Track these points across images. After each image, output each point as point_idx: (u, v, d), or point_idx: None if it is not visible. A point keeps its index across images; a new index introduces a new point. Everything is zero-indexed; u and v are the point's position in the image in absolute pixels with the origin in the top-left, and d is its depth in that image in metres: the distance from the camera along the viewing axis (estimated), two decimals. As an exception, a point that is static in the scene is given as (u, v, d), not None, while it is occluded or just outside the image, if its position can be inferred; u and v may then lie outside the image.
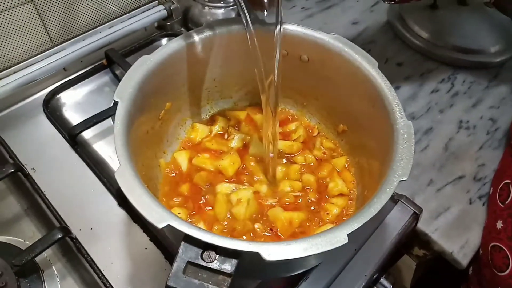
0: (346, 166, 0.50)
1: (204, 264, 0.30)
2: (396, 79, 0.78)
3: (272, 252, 0.29)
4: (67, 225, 0.50)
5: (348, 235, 0.30)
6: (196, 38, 0.45)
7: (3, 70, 0.62)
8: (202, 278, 0.29)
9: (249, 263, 0.31)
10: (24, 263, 0.45)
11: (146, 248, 0.50)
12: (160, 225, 0.30)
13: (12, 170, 0.52)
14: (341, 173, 0.49)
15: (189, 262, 0.30)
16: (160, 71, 0.42)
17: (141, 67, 0.41)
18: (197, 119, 0.53)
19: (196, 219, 0.44)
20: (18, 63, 0.63)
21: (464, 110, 0.74)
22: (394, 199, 0.57)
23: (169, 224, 0.30)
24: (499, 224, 0.55)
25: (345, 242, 0.30)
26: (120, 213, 0.53)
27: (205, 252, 0.30)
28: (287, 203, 0.45)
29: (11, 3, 0.58)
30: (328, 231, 0.31)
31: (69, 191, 0.54)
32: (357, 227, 0.31)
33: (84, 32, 0.68)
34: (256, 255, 0.29)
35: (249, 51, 0.47)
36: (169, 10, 0.72)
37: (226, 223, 0.43)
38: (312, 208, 0.45)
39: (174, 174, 0.48)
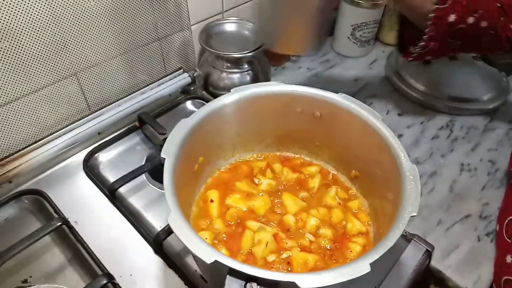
0: (361, 208, 0.55)
1: (247, 295, 0.35)
2: (399, 128, 0.85)
3: (306, 280, 0.34)
4: (109, 272, 0.54)
5: (370, 264, 0.35)
6: (225, 101, 0.53)
7: (48, 136, 0.70)
8: (247, 307, 0.34)
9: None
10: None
11: (181, 291, 0.54)
12: (209, 260, 0.35)
13: (60, 223, 0.57)
14: (357, 214, 0.54)
15: (235, 294, 0.35)
16: (196, 131, 0.50)
17: (182, 128, 0.48)
18: (224, 169, 0.59)
19: (221, 246, 0.49)
20: (60, 129, 0.71)
21: (465, 153, 0.80)
22: (407, 238, 0.61)
23: (216, 260, 0.35)
24: (509, 259, 0.59)
25: (368, 271, 0.35)
26: (157, 260, 0.58)
27: (248, 284, 0.35)
28: (305, 246, 0.50)
29: (57, 77, 0.67)
30: (352, 263, 0.36)
31: (109, 241, 0.59)
32: (377, 257, 0.36)
33: (118, 99, 0.77)
34: (293, 284, 0.34)
35: (267, 111, 0.56)
36: (192, 77, 0.81)
37: (246, 255, 0.49)
38: (328, 250, 0.50)
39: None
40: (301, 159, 0.62)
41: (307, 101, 0.54)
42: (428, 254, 0.60)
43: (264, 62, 0.85)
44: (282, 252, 0.49)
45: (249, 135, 0.59)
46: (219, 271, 0.37)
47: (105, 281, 0.52)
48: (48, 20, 0.61)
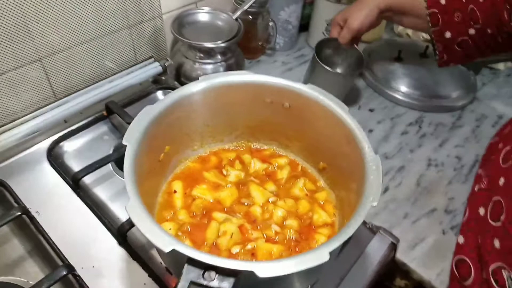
0: (328, 199, 0.55)
1: (205, 283, 0.34)
2: (370, 123, 0.87)
3: (265, 269, 0.34)
4: (70, 263, 0.53)
5: (330, 252, 0.35)
6: (192, 89, 0.52)
7: (11, 122, 0.67)
8: (204, 296, 0.33)
9: (245, 281, 0.35)
10: (30, 300, 0.47)
11: (145, 284, 0.53)
12: (167, 249, 0.35)
13: (19, 213, 0.55)
14: (324, 205, 0.55)
15: (191, 282, 0.34)
16: (161, 119, 0.49)
17: (146, 115, 0.47)
18: (191, 160, 0.58)
19: (185, 237, 0.49)
20: (24, 116, 0.69)
21: (432, 149, 0.82)
22: (373, 230, 0.62)
23: (174, 249, 0.35)
24: (461, 239, 0.61)
25: (327, 259, 0.35)
26: (120, 251, 0.56)
27: (206, 272, 0.35)
28: (271, 237, 0.50)
29: (21, 62, 0.65)
30: (312, 251, 0.36)
31: (72, 232, 0.58)
32: (337, 245, 0.36)
33: (86, 87, 0.75)
34: (251, 273, 0.33)
35: (236, 100, 0.55)
36: (164, 67, 0.80)
37: (210, 247, 0.48)
38: (294, 241, 0.50)
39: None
40: (270, 150, 0.61)
41: (276, 91, 0.54)
42: (393, 246, 0.61)
43: (238, 54, 0.84)
44: (247, 243, 0.49)
45: (218, 125, 0.58)
46: (179, 262, 0.36)
47: (64, 272, 0.50)
48: (9, 2, 0.58)
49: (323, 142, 0.54)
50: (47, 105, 0.71)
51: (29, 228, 0.58)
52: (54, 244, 0.55)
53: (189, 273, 0.34)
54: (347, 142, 0.49)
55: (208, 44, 0.77)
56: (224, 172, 0.57)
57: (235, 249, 0.48)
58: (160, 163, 0.53)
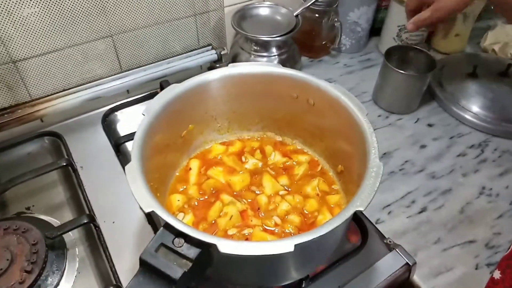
0: (339, 204, 0.54)
1: (173, 247, 0.36)
2: (424, 138, 0.80)
3: (227, 246, 0.35)
4: (95, 215, 0.59)
5: (295, 245, 0.35)
6: (220, 75, 0.54)
7: (79, 85, 0.77)
8: (169, 259, 0.36)
9: (214, 255, 0.36)
10: (55, 237, 0.55)
11: (152, 247, 0.57)
12: (147, 210, 0.38)
13: (65, 164, 0.64)
14: (333, 209, 0.53)
15: (162, 244, 0.37)
16: (185, 97, 0.52)
17: (170, 91, 0.51)
18: (216, 142, 0.61)
19: (189, 210, 0.51)
20: (92, 81, 0.78)
21: (489, 177, 0.74)
22: (390, 247, 0.58)
23: (153, 211, 0.37)
24: (497, 275, 0.54)
25: (289, 250, 0.34)
26: (140, 214, 0.61)
27: (176, 239, 0.37)
28: (269, 228, 0.50)
29: (94, 36, 0.74)
30: (280, 240, 0.36)
31: (105, 189, 0.64)
32: (303, 240, 0.35)
33: (148, 64, 0.82)
34: (214, 247, 0.35)
35: (263, 91, 0.56)
36: (219, 55, 0.84)
37: (210, 224, 0.50)
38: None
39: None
40: (294, 146, 0.61)
41: (302, 86, 0.54)
42: (407, 268, 0.56)
43: (293, 49, 0.85)
44: (244, 228, 0.50)
45: (245, 114, 0.60)
46: (159, 223, 0.39)
47: (86, 221, 0.56)
48: (88, -18, 0.67)
49: (341, 144, 0.53)
50: (113, 75, 0.80)
51: (71, 179, 0.66)
52: (87, 196, 0.62)
53: (162, 236, 0.37)
54: (358, 145, 0.47)
55: (264, 37, 0.79)
56: (243, 158, 0.59)
57: (232, 231, 0.50)
58: (182, 139, 0.56)
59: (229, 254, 0.34)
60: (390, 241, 0.59)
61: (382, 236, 0.60)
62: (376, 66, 0.97)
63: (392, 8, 0.94)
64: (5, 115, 0.70)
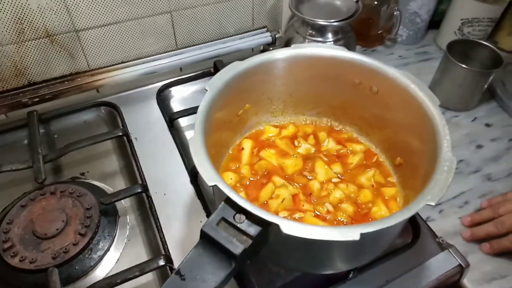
0: (394, 197, 0.52)
1: (234, 223, 0.36)
2: (481, 138, 0.77)
3: (290, 227, 0.34)
4: (147, 185, 0.61)
5: (361, 234, 0.34)
6: (281, 55, 0.53)
7: (135, 59, 0.78)
8: (229, 233, 0.36)
9: (271, 234, 0.36)
10: (109, 203, 0.56)
11: (200, 221, 0.58)
12: (210, 183, 0.38)
13: (120, 134, 0.65)
14: (388, 201, 0.52)
15: (223, 218, 0.37)
16: (246, 76, 0.51)
17: (232, 69, 0.50)
18: (270, 124, 0.60)
19: (241, 189, 0.51)
20: (148, 56, 0.79)
21: (553, 185, 0.69)
22: (442, 246, 0.56)
23: (216, 185, 0.37)
24: None
25: (356, 239, 0.33)
26: (190, 188, 0.62)
27: (237, 215, 0.37)
28: (321, 214, 0.49)
29: (153, 11, 0.74)
30: (345, 227, 0.35)
31: (158, 161, 0.66)
32: (370, 230, 0.34)
33: (202, 43, 0.82)
34: (277, 226, 0.34)
35: (324, 75, 0.55)
36: (273, 38, 0.83)
37: (261, 205, 0.50)
38: (343, 224, 0.49)
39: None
40: (349, 134, 0.60)
41: (367, 72, 0.52)
42: (460, 270, 0.54)
43: (350, 37, 0.82)
44: (296, 212, 0.50)
45: (301, 97, 0.59)
46: (220, 198, 0.39)
47: (139, 190, 0.58)
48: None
49: (404, 135, 0.51)
50: (168, 51, 0.80)
51: (126, 149, 0.68)
52: (140, 167, 0.63)
53: (224, 211, 0.37)
54: (427, 138, 0.45)
55: (321, 22, 0.77)
56: (296, 143, 0.58)
57: (283, 214, 0.50)
58: (238, 118, 0.56)
59: (292, 235, 0.34)
60: (442, 240, 0.57)
61: (434, 235, 0.58)
62: (433, 60, 0.93)
63: (456, 0, 0.89)
64: (65, 82, 0.72)
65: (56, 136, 0.71)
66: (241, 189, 0.52)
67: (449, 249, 0.56)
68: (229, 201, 0.37)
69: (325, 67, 0.54)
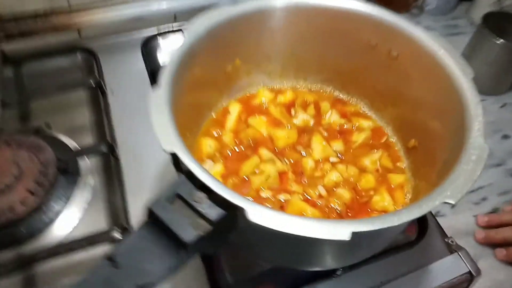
0: (402, 186, 0.43)
1: (191, 202, 0.28)
2: (509, 127, 0.67)
3: (257, 213, 0.26)
4: (116, 146, 0.52)
5: (352, 233, 0.25)
6: (283, 3, 0.43)
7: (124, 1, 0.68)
8: (184, 215, 0.28)
9: (240, 220, 0.28)
10: (67, 161, 0.48)
11: (172, 193, 0.50)
12: (167, 149, 0.29)
13: (92, 84, 0.57)
14: (393, 190, 0.43)
15: (178, 195, 0.28)
16: (238, 24, 0.42)
17: (220, 13, 0.41)
18: (264, 88, 0.51)
19: (221, 160, 0.43)
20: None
21: None
22: (451, 248, 0.48)
23: (174, 152, 0.29)
24: None
25: (345, 239, 0.25)
26: (166, 157, 0.54)
27: (198, 192, 0.28)
28: (311, 198, 0.41)
29: None
30: (334, 222, 0.27)
31: (133, 120, 0.57)
32: (367, 229, 0.26)
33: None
34: (241, 211, 0.26)
35: (333, 32, 0.45)
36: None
37: (241, 180, 0.42)
38: (336, 213, 0.40)
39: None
40: (357, 107, 0.50)
41: (386, 31, 0.42)
42: (470, 278, 0.46)
43: None
44: (281, 193, 0.41)
45: (305, 58, 0.49)
46: (180, 169, 0.31)
47: (105, 150, 0.50)
48: None
49: (423, 114, 0.42)
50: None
51: (99, 103, 0.59)
52: (112, 124, 0.55)
53: (181, 185, 0.29)
54: (453, 118, 0.36)
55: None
56: (292, 112, 0.49)
57: (265, 193, 0.41)
58: (226, 76, 0.47)
59: (260, 225, 0.26)
60: (452, 241, 0.49)
61: (443, 233, 0.49)
62: (463, 35, 0.81)
63: (500, -35, 0.77)
64: (38, 19, 0.63)
65: (25, 81, 0.63)
66: (220, 160, 0.44)
67: (459, 252, 0.47)
68: (189, 175, 0.29)
69: (335, 21, 0.44)
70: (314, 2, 0.43)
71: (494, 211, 0.56)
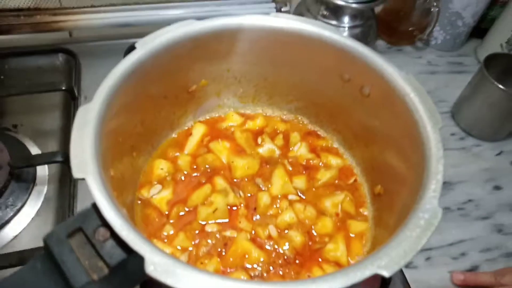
0: (362, 235, 0.39)
1: (92, 240, 0.25)
2: (502, 178, 0.63)
3: (160, 265, 0.23)
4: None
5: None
6: (260, 23, 0.40)
7: (112, 5, 0.66)
8: (81, 253, 0.25)
9: (135, 271, 0.24)
10: (20, 167, 0.46)
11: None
12: (77, 175, 0.26)
13: (63, 88, 0.55)
14: (351, 240, 0.39)
15: (80, 229, 0.25)
16: (203, 41, 0.39)
17: (183, 27, 0.38)
18: (234, 111, 0.48)
19: (171, 185, 0.41)
20: (126, 4, 0.66)
21: None
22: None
23: (84, 178, 0.26)
24: None
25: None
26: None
27: (101, 228, 0.25)
28: (259, 239, 0.37)
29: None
30: (254, 284, 0.23)
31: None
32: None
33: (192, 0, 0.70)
34: (141, 259, 0.23)
35: (307, 60, 0.42)
36: (278, 9, 0.70)
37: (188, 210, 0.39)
38: (284, 258, 0.37)
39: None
40: (329, 142, 0.47)
41: (360, 66, 0.38)
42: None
43: (371, 25, 0.68)
44: (227, 229, 0.38)
45: (279, 84, 0.46)
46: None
47: (60, 159, 0.47)
48: None
49: (393, 158, 0.38)
50: (150, 3, 0.68)
51: (70, 108, 0.57)
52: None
53: (85, 218, 0.26)
54: (418, 168, 0.32)
55: (337, 1, 0.63)
56: (259, 140, 0.46)
57: (210, 228, 0.38)
58: (189, 94, 0.44)
59: (157, 279, 0.22)
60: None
61: (408, 290, 0.45)
62: (468, 74, 0.76)
63: (509, 8, 0.73)
64: (22, 17, 0.62)
65: (2, 77, 0.61)
66: (171, 185, 0.41)
67: None
68: (95, 208, 0.26)
69: (310, 50, 0.41)
70: (289, 24, 0.40)
71: (473, 269, 0.52)
